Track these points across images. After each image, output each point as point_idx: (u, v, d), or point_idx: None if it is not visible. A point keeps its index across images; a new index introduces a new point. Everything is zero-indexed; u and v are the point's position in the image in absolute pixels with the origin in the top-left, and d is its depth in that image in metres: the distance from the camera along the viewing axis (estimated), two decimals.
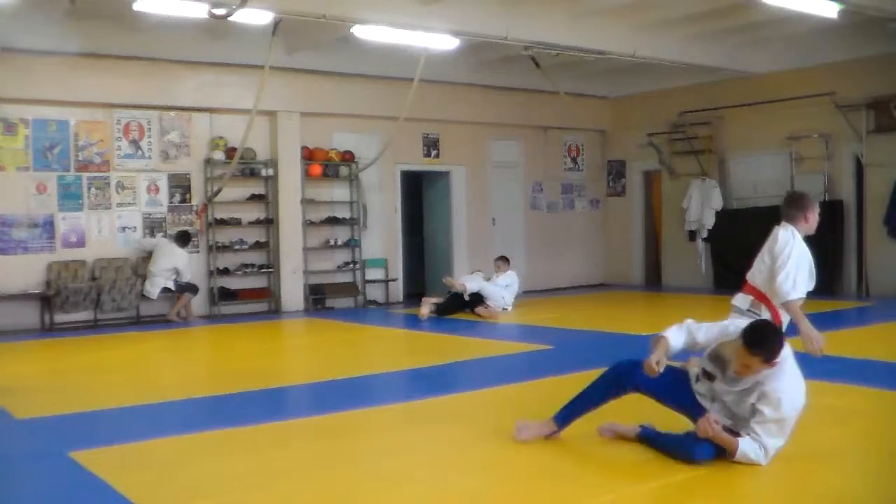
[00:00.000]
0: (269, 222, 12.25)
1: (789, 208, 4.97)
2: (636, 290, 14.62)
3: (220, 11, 8.32)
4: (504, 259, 12.03)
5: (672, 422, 4.32)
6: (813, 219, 4.96)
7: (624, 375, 4.33)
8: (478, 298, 11.16)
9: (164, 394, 6.34)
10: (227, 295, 11.88)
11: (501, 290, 11.44)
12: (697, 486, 3.77)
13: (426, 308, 10.92)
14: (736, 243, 12.34)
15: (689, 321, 4.28)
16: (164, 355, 9.15)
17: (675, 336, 4.22)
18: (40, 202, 10.71)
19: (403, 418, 5.39)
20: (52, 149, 10.77)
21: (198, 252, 11.71)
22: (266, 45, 9.58)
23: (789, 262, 4.75)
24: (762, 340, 3.83)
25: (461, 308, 11.15)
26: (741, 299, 5.03)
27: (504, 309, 11.36)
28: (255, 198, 12.18)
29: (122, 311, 11.05)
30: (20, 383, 6.88)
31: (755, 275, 4.99)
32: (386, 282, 13.29)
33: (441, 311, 11.02)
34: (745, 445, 3.90)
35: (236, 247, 12.00)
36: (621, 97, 15.30)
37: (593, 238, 15.66)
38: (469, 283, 11.29)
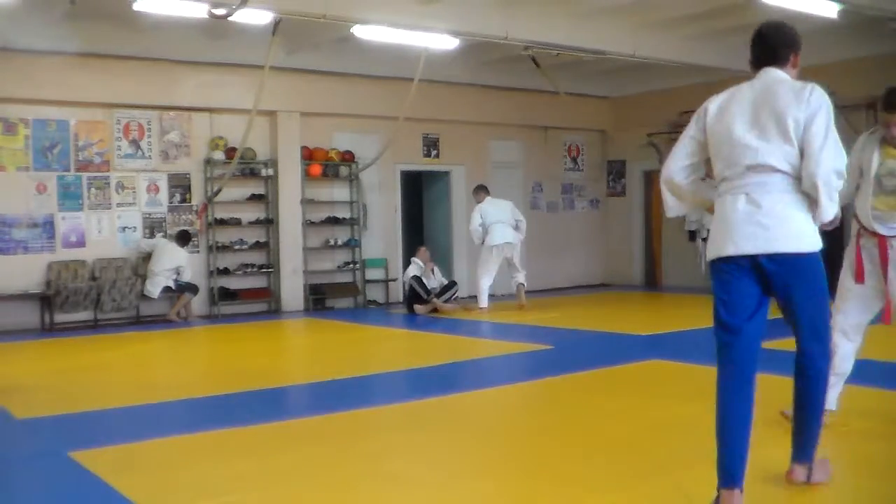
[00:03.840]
0: (269, 222, 12.25)
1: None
2: (636, 290, 14.62)
3: (220, 11, 8.32)
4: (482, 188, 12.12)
5: None
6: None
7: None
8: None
9: (164, 394, 6.33)
10: (227, 295, 11.88)
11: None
12: (700, 487, 3.76)
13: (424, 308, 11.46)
14: None
15: None
16: (164, 355, 9.15)
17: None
18: (40, 202, 10.71)
19: (403, 418, 5.38)
20: (52, 149, 10.77)
21: (198, 252, 11.71)
22: (266, 45, 9.58)
23: None
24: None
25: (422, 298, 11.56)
26: None
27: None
28: (255, 198, 12.18)
29: (122, 311, 11.05)
30: (20, 383, 6.89)
31: None
32: (386, 282, 13.29)
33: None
34: None
35: (236, 247, 12.00)
36: (621, 97, 15.30)
37: (593, 238, 15.66)
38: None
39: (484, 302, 11.60)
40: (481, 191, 11.96)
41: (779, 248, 3.31)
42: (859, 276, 4.51)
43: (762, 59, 3.53)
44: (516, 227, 11.75)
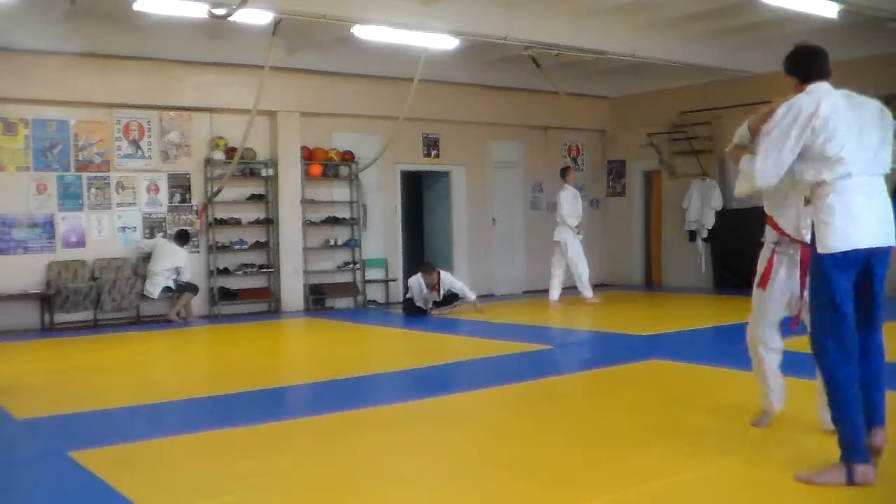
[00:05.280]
0: (269, 222, 12.25)
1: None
2: (636, 290, 14.62)
3: (220, 11, 8.32)
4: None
5: None
6: None
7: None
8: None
9: (164, 394, 6.34)
10: (227, 295, 11.88)
11: None
12: (700, 487, 3.76)
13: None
14: (736, 243, 12.34)
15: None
16: (164, 355, 9.15)
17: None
18: (40, 202, 10.71)
19: (403, 418, 5.38)
20: (52, 149, 10.77)
21: (198, 252, 11.71)
22: (266, 45, 9.58)
23: None
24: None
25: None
26: None
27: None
28: (255, 198, 12.18)
29: (122, 311, 11.05)
30: (20, 383, 6.88)
31: None
32: (386, 282, 13.29)
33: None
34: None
35: (236, 247, 12.00)
36: (621, 97, 15.30)
37: (593, 238, 15.61)
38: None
39: (587, 292, 12.09)
40: (560, 175, 12.28)
41: (892, 241, 3.69)
42: (764, 283, 4.47)
43: (821, 73, 3.85)
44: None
